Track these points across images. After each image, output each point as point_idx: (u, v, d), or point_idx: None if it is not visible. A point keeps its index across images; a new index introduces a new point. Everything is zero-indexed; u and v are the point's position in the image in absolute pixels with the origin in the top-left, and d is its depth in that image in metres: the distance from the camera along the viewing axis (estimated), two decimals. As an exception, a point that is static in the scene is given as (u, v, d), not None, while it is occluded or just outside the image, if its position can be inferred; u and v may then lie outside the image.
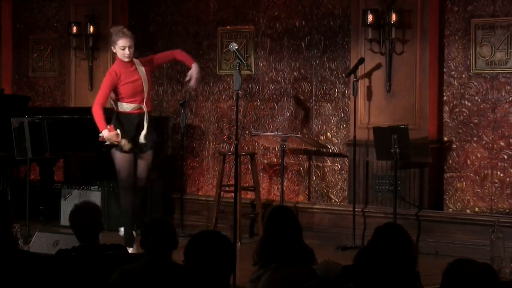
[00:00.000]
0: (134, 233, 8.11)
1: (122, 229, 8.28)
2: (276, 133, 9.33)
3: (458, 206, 8.75)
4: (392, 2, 8.71)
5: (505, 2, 8.51)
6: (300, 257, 4.91)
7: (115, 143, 8.05)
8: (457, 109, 8.76)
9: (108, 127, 8.04)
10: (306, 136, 9.41)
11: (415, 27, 8.67)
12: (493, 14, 8.57)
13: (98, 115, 8.08)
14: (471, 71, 8.68)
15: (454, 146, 8.78)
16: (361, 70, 8.83)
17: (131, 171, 8.23)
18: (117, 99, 8.18)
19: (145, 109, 8.16)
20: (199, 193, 10.17)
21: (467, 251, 8.02)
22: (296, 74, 9.65)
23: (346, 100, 9.32)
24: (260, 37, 9.86)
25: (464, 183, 8.72)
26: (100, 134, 8.06)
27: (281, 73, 9.74)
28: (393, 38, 8.68)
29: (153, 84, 9.54)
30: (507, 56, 8.50)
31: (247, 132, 9.83)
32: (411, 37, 8.69)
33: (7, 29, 11.69)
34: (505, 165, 8.53)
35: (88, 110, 9.94)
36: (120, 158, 8.19)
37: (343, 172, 9.34)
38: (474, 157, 8.68)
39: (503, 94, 8.55)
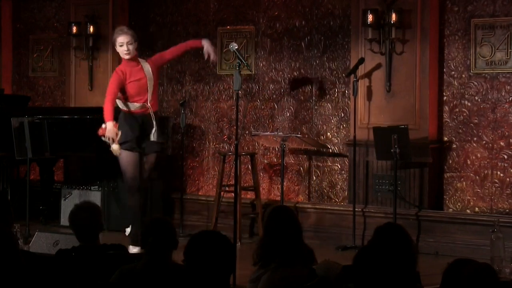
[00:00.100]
0: None
1: (128, 229, 8.26)
2: (276, 133, 9.33)
3: (458, 206, 8.75)
4: (392, 2, 8.71)
5: (505, 2, 8.51)
6: (300, 257, 4.91)
7: (110, 141, 8.00)
8: (457, 109, 8.76)
9: (114, 122, 8.01)
10: (306, 136, 9.41)
11: (415, 27, 8.67)
12: (493, 14, 8.57)
13: (107, 107, 8.04)
14: (471, 71, 8.68)
15: (454, 146, 8.78)
16: (361, 70, 8.83)
17: (137, 172, 8.23)
18: (123, 98, 8.19)
19: (150, 109, 8.17)
20: (199, 193, 10.17)
21: (467, 251, 8.02)
22: (296, 74, 9.65)
23: (346, 100, 9.32)
24: (260, 37, 9.86)
25: (464, 183, 8.73)
26: (103, 125, 8.03)
27: (281, 73, 9.74)
28: (393, 38, 8.68)
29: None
30: (507, 56, 8.50)
31: (247, 132, 9.83)
32: (411, 37, 8.69)
33: (7, 29, 11.69)
34: (505, 165, 8.53)
35: (88, 110, 9.99)
36: (125, 159, 8.19)
37: (343, 172, 9.35)
38: (474, 157, 8.68)
39: (503, 94, 8.55)
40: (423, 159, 8.56)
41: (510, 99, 8.52)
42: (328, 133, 9.45)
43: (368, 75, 8.91)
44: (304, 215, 8.97)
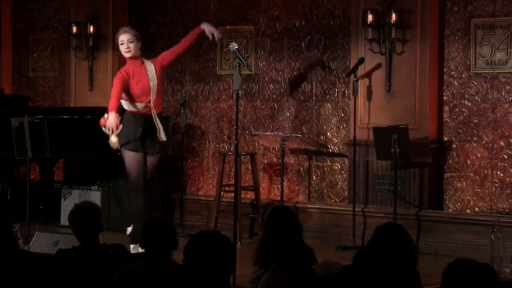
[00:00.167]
0: None
1: (130, 228, 8.26)
2: (276, 133, 9.33)
3: (458, 206, 8.75)
4: (392, 2, 8.71)
5: (505, 2, 8.51)
6: (300, 257, 4.91)
7: (110, 131, 7.99)
8: (457, 109, 8.76)
9: (117, 114, 8.00)
10: (306, 136, 9.41)
11: (415, 27, 8.67)
12: (493, 14, 8.57)
13: (112, 100, 8.06)
14: (471, 71, 8.68)
15: (454, 146, 8.78)
16: (361, 70, 8.83)
17: (141, 172, 8.24)
18: (127, 99, 8.21)
19: (153, 109, 8.17)
20: (199, 193, 10.17)
21: (467, 251, 8.02)
22: (296, 74, 9.65)
23: (346, 100, 9.32)
24: (260, 37, 9.86)
25: (464, 183, 8.73)
26: (105, 115, 8.03)
27: (281, 73, 9.74)
28: (393, 38, 8.68)
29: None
30: (507, 56, 8.50)
31: (247, 132, 9.83)
32: (411, 37, 8.69)
33: (7, 29, 11.69)
34: (505, 165, 8.53)
35: (88, 110, 9.99)
36: (130, 159, 8.22)
37: (343, 172, 9.35)
38: (474, 157, 8.68)
39: (503, 94, 8.55)
40: (423, 159, 8.55)
41: (510, 99, 8.52)
42: (328, 133, 9.45)
43: (368, 75, 8.91)
44: (304, 215, 8.97)
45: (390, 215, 8.38)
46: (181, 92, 10.35)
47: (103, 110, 9.57)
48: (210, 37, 8.48)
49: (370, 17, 8.68)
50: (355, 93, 8.69)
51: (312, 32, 9.55)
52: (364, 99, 8.92)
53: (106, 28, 10.55)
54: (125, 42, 8.22)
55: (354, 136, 8.77)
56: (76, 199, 9.43)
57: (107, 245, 5.15)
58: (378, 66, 8.85)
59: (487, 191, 8.61)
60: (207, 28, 8.46)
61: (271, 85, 9.78)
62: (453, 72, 8.77)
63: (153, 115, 8.17)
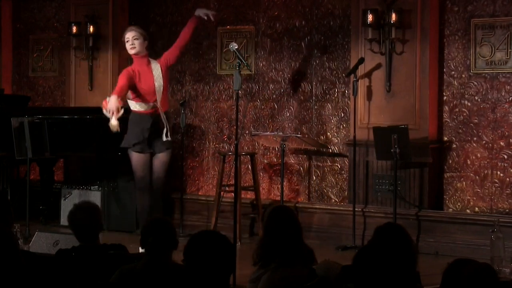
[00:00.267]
0: None
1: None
2: (276, 133, 9.33)
3: (458, 206, 8.75)
4: (392, 2, 8.71)
5: (505, 2, 8.51)
6: (300, 257, 4.91)
7: (110, 114, 7.98)
8: (457, 109, 8.76)
9: (119, 99, 8.01)
10: (306, 136, 9.41)
11: (415, 27, 8.67)
12: (493, 14, 8.57)
13: (118, 86, 8.15)
14: (471, 71, 8.68)
15: (454, 146, 8.78)
16: (361, 70, 8.83)
17: (147, 172, 8.29)
18: (133, 98, 8.24)
19: (160, 109, 8.20)
20: (199, 193, 10.17)
21: (467, 251, 8.02)
22: (296, 74, 9.65)
23: (346, 100, 9.32)
24: (260, 37, 9.86)
25: (464, 183, 8.72)
26: (107, 98, 8.05)
27: (281, 73, 9.74)
28: (393, 38, 8.68)
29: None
30: (507, 56, 8.50)
31: (247, 132, 9.83)
32: (411, 37, 8.69)
33: (7, 29, 11.69)
34: (505, 165, 8.53)
35: (88, 110, 9.99)
36: (136, 159, 8.26)
37: (343, 172, 9.34)
38: (474, 157, 8.68)
39: (503, 94, 8.55)
40: (423, 159, 8.55)
41: (510, 99, 8.52)
42: (328, 133, 9.45)
43: (368, 75, 8.91)
44: (304, 215, 8.97)
45: (390, 215, 8.38)
46: (181, 92, 10.35)
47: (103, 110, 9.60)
48: (205, 18, 8.57)
49: (370, 17, 8.68)
50: (355, 93, 8.68)
51: (312, 32, 9.55)
52: (364, 99, 8.92)
53: (106, 28, 10.55)
54: (130, 39, 8.30)
55: (354, 136, 8.76)
56: (76, 199, 9.43)
57: (107, 245, 5.16)
58: (378, 66, 8.85)
59: (487, 191, 8.61)
60: (201, 12, 8.55)
61: (271, 85, 9.78)
62: (453, 72, 8.77)
63: (161, 114, 8.22)
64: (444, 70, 8.80)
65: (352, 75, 8.70)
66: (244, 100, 9.69)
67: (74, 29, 10.58)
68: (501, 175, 8.54)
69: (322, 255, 5.22)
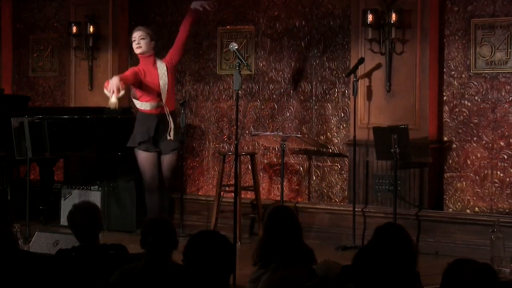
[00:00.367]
0: None
1: None
2: (276, 133, 9.33)
3: (458, 206, 8.75)
4: (392, 2, 8.71)
5: (505, 2, 8.51)
6: (300, 257, 4.91)
7: (110, 92, 8.01)
8: (457, 109, 8.76)
9: (121, 82, 8.05)
10: (306, 136, 9.41)
11: (415, 27, 8.67)
12: (493, 14, 8.57)
13: (125, 72, 8.21)
14: (471, 71, 8.68)
15: (454, 146, 8.78)
16: (361, 70, 8.83)
17: (155, 172, 8.31)
18: (139, 98, 8.27)
19: (166, 108, 8.23)
20: (199, 193, 10.17)
21: (467, 251, 8.02)
22: (296, 74, 9.65)
23: (346, 100, 9.32)
24: (260, 37, 9.86)
25: (464, 183, 8.72)
26: (111, 79, 8.13)
27: (281, 73, 9.74)
28: (393, 38, 8.68)
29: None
30: (507, 56, 8.50)
31: (247, 132, 9.83)
32: (411, 37, 8.69)
33: (7, 29, 11.69)
34: (505, 165, 8.53)
35: (88, 110, 10.00)
36: (143, 160, 8.29)
37: (343, 172, 9.34)
38: (474, 157, 8.68)
39: (503, 94, 8.55)
40: (423, 159, 8.55)
41: (510, 99, 8.52)
42: (328, 133, 9.45)
43: (368, 75, 8.91)
44: (304, 215, 8.96)
45: (390, 215, 8.38)
46: (181, 92, 10.35)
47: (103, 110, 9.62)
48: (201, 9, 8.61)
49: (370, 17, 8.68)
50: (355, 93, 8.68)
51: (312, 32, 9.55)
52: (364, 99, 8.92)
53: (106, 28, 10.55)
54: (137, 38, 8.38)
55: (354, 136, 8.76)
56: (76, 199, 9.43)
57: (107, 245, 5.16)
58: (378, 66, 8.85)
59: (487, 191, 8.61)
60: (197, 4, 8.60)
61: (271, 85, 9.78)
62: (453, 72, 8.77)
63: (166, 113, 8.25)
64: (444, 70, 8.80)
65: (352, 75, 8.70)
66: (244, 100, 9.69)
67: (74, 29, 10.58)
68: (501, 175, 8.54)
69: (322, 255, 5.22)
